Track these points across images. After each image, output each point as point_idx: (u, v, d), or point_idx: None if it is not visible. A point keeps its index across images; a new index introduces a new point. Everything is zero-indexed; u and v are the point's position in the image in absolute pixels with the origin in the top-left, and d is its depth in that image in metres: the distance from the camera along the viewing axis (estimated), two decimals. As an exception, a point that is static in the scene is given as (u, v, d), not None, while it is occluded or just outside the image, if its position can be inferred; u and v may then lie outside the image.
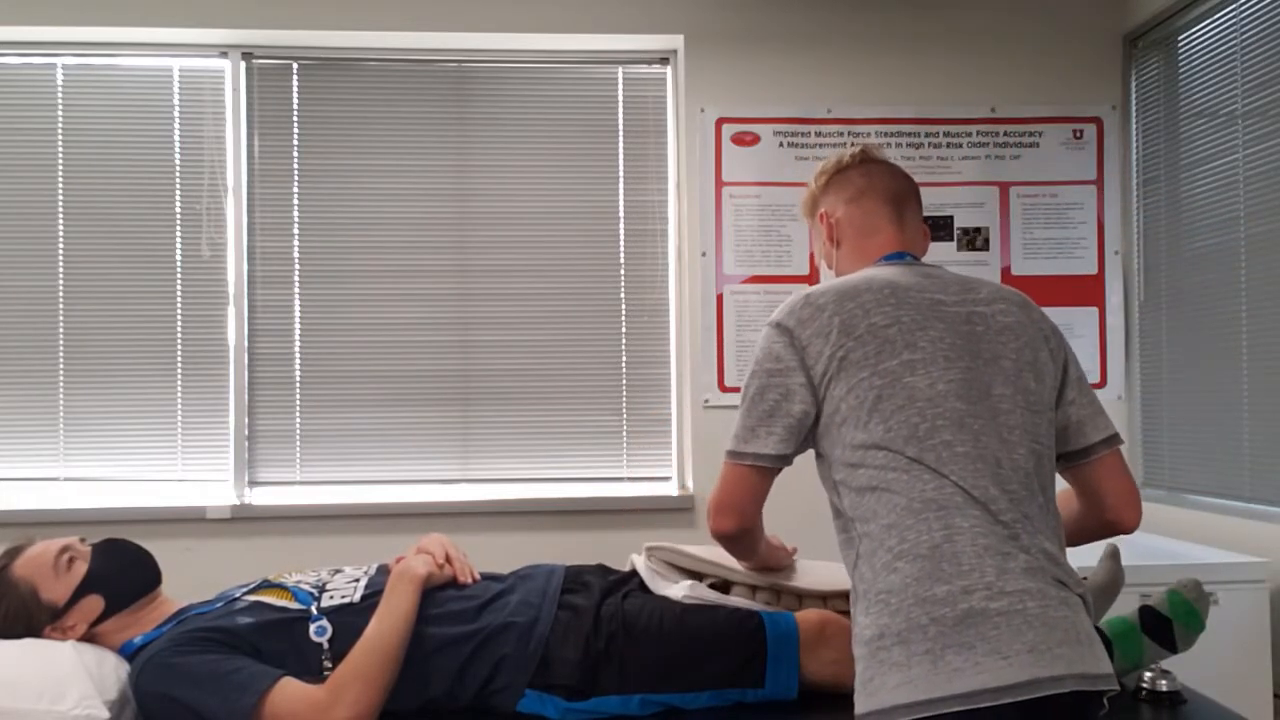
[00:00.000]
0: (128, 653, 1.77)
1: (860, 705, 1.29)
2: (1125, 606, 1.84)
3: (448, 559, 1.87)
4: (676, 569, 1.87)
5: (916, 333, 1.42)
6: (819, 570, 1.90)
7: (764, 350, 1.46)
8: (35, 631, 1.77)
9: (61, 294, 3.09)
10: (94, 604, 1.79)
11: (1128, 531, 1.52)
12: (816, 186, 1.70)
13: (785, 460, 1.45)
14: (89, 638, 1.79)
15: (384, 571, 1.86)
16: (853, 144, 1.74)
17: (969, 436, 1.37)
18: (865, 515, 1.36)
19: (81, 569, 1.80)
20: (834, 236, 1.65)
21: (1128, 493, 1.50)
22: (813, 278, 3.10)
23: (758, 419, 1.45)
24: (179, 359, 3.10)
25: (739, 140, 3.08)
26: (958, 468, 1.34)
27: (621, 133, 3.21)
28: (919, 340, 1.41)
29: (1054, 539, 1.37)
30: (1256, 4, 2.58)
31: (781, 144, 3.09)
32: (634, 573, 1.92)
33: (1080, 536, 1.55)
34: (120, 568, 1.84)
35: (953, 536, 1.30)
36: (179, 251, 3.12)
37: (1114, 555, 1.92)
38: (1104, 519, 1.51)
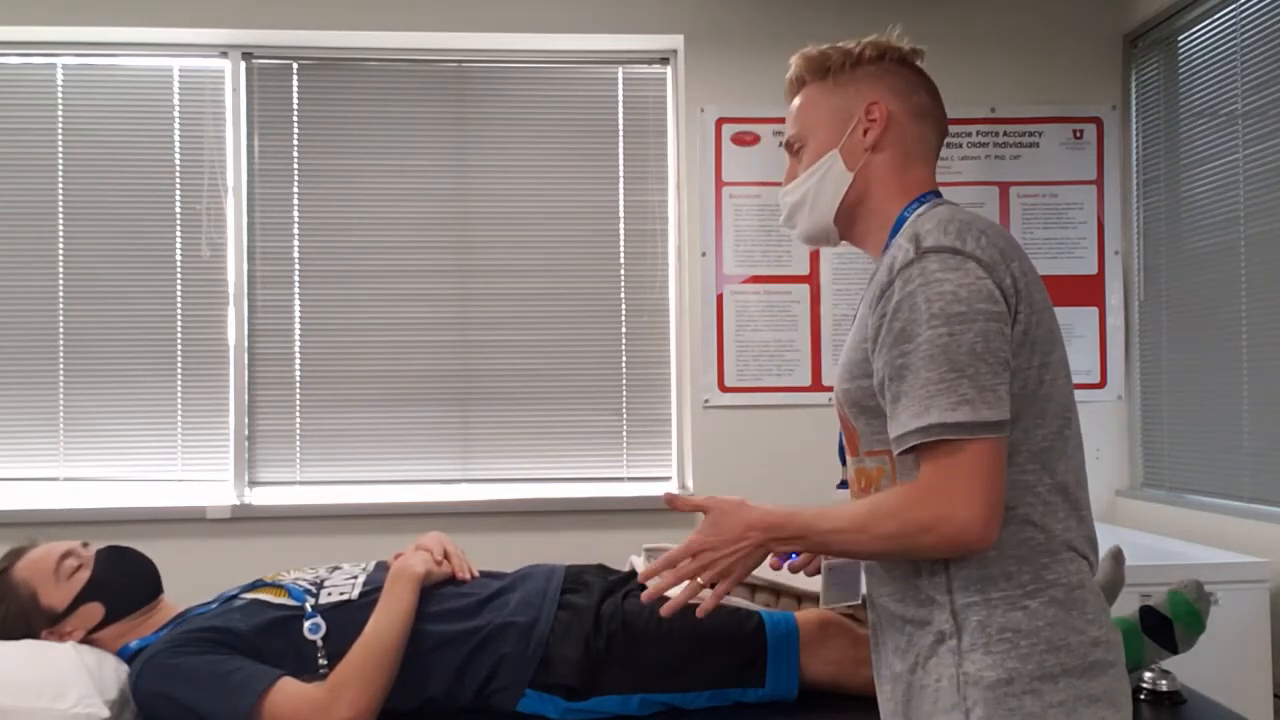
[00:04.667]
0: (125, 655, 1.77)
1: None
2: (1126, 606, 1.84)
3: (446, 556, 1.87)
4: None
5: (1056, 322, 1.21)
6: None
7: (969, 287, 1.10)
8: (33, 635, 1.77)
9: (61, 294, 3.09)
10: (93, 612, 1.79)
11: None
12: (865, 54, 1.31)
13: None
14: (87, 642, 1.79)
15: (382, 568, 1.86)
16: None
17: (1083, 465, 1.22)
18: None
19: (84, 576, 1.80)
20: (879, 139, 1.28)
21: None
22: (814, 278, 3.09)
23: (995, 372, 1.09)
24: (179, 359, 3.10)
25: (739, 140, 3.08)
26: (1083, 499, 1.20)
27: (621, 133, 3.21)
28: (1059, 332, 1.21)
29: None
30: (1256, 4, 2.58)
31: (781, 144, 3.09)
32: (634, 573, 1.92)
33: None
34: (122, 577, 1.84)
35: (1085, 581, 1.17)
36: (179, 251, 3.12)
37: (1116, 555, 1.92)
38: None
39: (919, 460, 1.12)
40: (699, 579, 1.24)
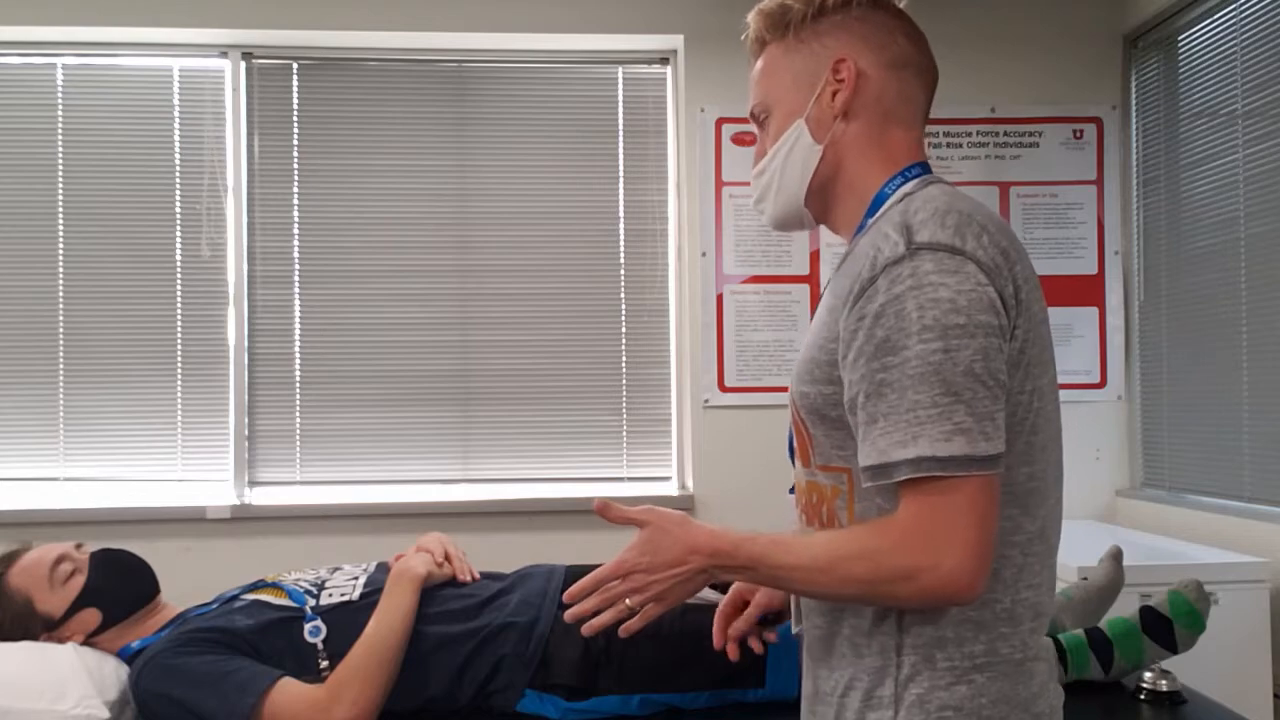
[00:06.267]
0: (125, 656, 1.77)
1: None
2: (1125, 606, 1.84)
3: (447, 557, 1.87)
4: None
5: (1049, 338, 1.06)
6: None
7: (968, 294, 0.95)
8: (31, 638, 1.76)
9: (61, 294, 3.09)
10: (91, 617, 1.79)
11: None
12: (828, 3, 1.11)
13: None
14: (87, 644, 1.79)
15: (383, 569, 1.85)
16: None
17: (1060, 502, 1.09)
18: None
19: (79, 582, 1.79)
20: (849, 105, 1.10)
21: None
22: (813, 278, 3.09)
23: (994, 397, 0.95)
24: (179, 359, 3.10)
25: (739, 140, 3.08)
26: (1057, 544, 1.07)
27: (621, 133, 3.21)
28: (1050, 349, 1.06)
29: None
30: (1256, 4, 2.58)
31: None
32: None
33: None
34: (118, 581, 1.83)
35: (1040, 652, 1.05)
36: (179, 251, 3.12)
37: (1115, 556, 1.92)
38: None
39: (898, 494, 0.96)
40: (628, 601, 1.09)
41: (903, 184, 1.09)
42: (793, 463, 1.16)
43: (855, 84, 1.09)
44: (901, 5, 1.14)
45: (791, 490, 1.18)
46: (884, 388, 0.95)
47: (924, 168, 1.12)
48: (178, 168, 3.12)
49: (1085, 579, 2.03)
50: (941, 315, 0.93)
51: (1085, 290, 3.13)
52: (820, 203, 1.15)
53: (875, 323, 0.96)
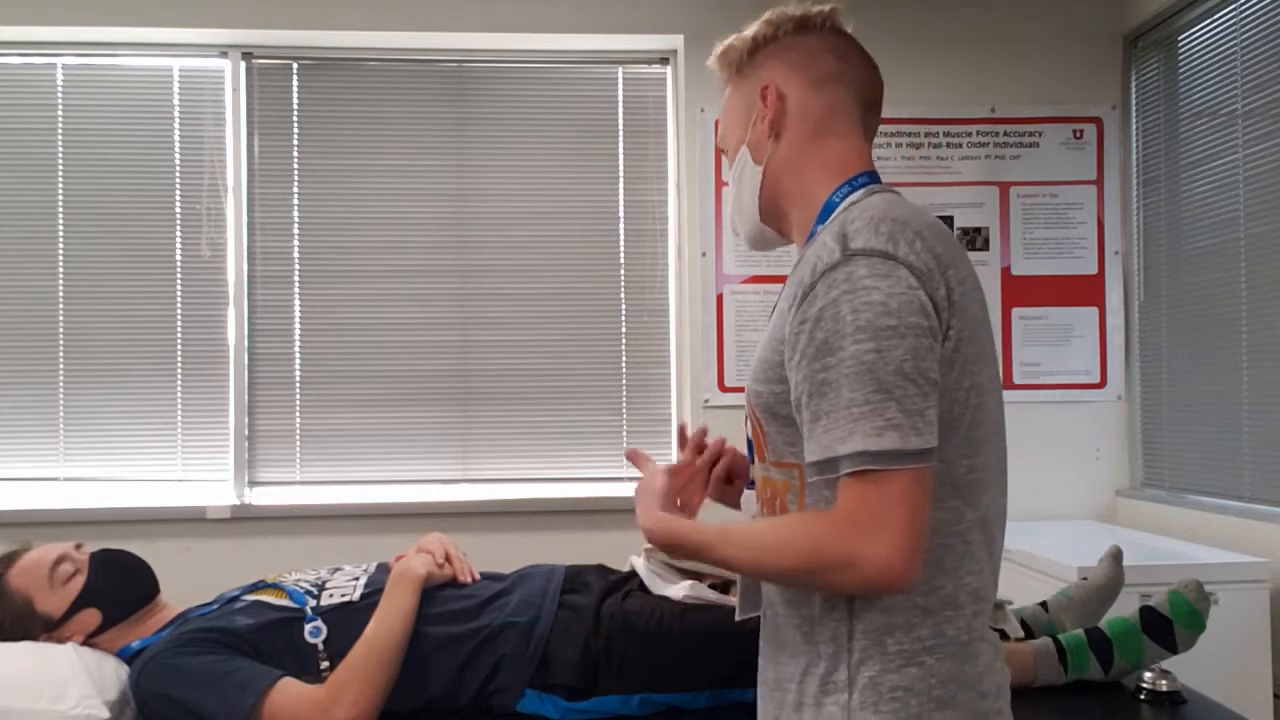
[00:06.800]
0: (126, 656, 1.77)
1: None
2: (1125, 606, 1.84)
3: (447, 558, 1.87)
4: (676, 570, 1.87)
5: (989, 336, 1.11)
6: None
7: (899, 297, 1.00)
8: (31, 639, 1.76)
9: (61, 294, 3.09)
10: (91, 618, 1.79)
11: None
12: (759, 36, 1.23)
13: None
14: (87, 644, 1.79)
15: (384, 570, 1.85)
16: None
17: (1004, 492, 1.15)
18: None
19: (79, 582, 1.79)
20: (776, 125, 1.19)
21: None
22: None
23: (924, 395, 1.00)
24: (179, 359, 3.10)
25: (739, 140, 3.08)
26: (999, 533, 1.12)
27: (621, 133, 3.21)
28: (989, 346, 1.10)
29: None
30: (1256, 4, 2.58)
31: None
32: (634, 573, 1.92)
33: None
34: (118, 581, 1.83)
35: (984, 632, 1.10)
36: (179, 251, 3.12)
37: (1115, 556, 1.92)
38: None
39: (836, 486, 1.01)
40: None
41: (850, 193, 1.15)
42: (750, 459, 1.22)
43: (778, 105, 1.19)
44: (826, 12, 1.22)
45: (751, 485, 1.25)
46: (824, 387, 1.01)
47: (870, 177, 1.18)
48: (178, 168, 3.12)
49: (1085, 579, 2.03)
50: (874, 317, 0.99)
51: (1085, 290, 3.13)
52: (775, 218, 1.24)
53: (815, 325, 1.02)
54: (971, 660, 1.07)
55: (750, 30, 1.23)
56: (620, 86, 3.21)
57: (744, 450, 1.30)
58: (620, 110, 3.21)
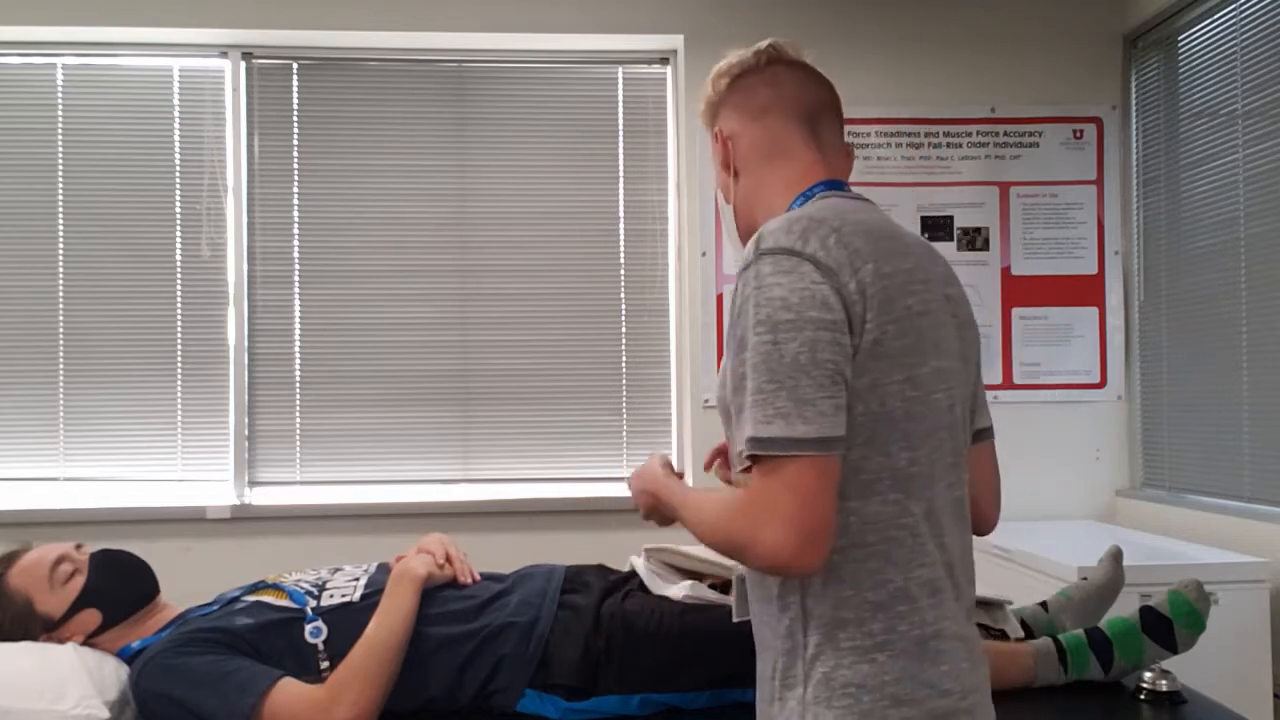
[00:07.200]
0: (126, 656, 1.77)
1: None
2: (1125, 606, 1.84)
3: (448, 559, 1.87)
4: (676, 570, 1.87)
5: (939, 330, 1.13)
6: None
7: (799, 291, 1.04)
8: (31, 639, 1.76)
9: (61, 294, 3.09)
10: (91, 618, 1.79)
11: (984, 532, 1.27)
12: (715, 93, 1.32)
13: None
14: (87, 644, 1.79)
15: (384, 570, 1.85)
16: (770, 49, 1.31)
17: (962, 483, 1.15)
18: (842, 577, 1.07)
19: (79, 583, 1.79)
20: (729, 163, 1.29)
21: (995, 489, 1.29)
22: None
23: (819, 385, 1.02)
24: (179, 359, 3.10)
25: (739, 140, 3.08)
26: (949, 524, 1.12)
27: (621, 133, 3.21)
28: (941, 340, 1.13)
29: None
30: (1256, 4, 2.58)
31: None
32: (634, 573, 1.92)
33: None
34: (118, 581, 1.83)
35: (944, 628, 1.09)
36: (179, 251, 3.12)
37: (1115, 556, 1.92)
38: None
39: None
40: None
41: (804, 203, 1.21)
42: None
43: (727, 147, 1.29)
44: (762, 51, 1.29)
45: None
46: (741, 380, 1.06)
47: (827, 185, 1.23)
48: (178, 168, 3.12)
49: (1085, 579, 2.03)
50: (773, 312, 1.04)
51: (1085, 290, 3.13)
52: None
53: (734, 323, 1.10)
54: (931, 657, 1.07)
55: (708, 89, 1.33)
56: (620, 86, 3.21)
57: None
58: (620, 110, 3.21)
